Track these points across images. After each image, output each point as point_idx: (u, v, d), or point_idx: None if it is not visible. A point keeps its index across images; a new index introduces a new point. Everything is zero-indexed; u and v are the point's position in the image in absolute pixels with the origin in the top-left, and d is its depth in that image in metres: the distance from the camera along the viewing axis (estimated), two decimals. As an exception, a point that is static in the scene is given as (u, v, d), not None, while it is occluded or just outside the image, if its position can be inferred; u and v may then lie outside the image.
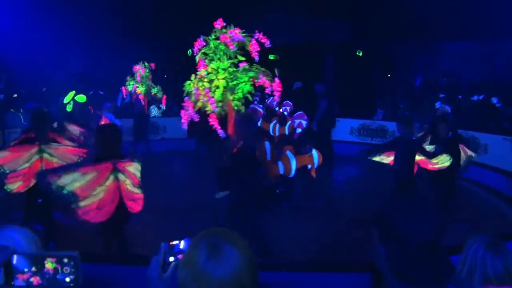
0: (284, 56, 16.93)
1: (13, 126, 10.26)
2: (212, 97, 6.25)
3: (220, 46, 6.46)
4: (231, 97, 6.35)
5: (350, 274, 2.86)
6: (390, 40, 14.43)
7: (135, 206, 4.59)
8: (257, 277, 1.45)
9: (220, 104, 6.31)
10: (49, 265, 1.10)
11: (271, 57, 17.26)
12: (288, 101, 11.59)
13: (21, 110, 10.76)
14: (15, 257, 1.10)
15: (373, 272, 2.72)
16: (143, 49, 14.60)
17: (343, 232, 6.67)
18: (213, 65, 6.40)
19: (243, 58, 6.57)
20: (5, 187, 5.14)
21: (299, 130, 8.31)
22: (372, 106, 13.82)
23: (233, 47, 6.38)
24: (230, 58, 6.55)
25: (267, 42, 6.66)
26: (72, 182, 4.14)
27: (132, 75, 12.28)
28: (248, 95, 6.46)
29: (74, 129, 8.68)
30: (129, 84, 12.11)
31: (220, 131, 6.47)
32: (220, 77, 6.30)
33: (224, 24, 6.65)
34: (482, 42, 13.47)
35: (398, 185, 6.26)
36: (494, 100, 11.77)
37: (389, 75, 16.51)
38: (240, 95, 6.34)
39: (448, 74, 14.46)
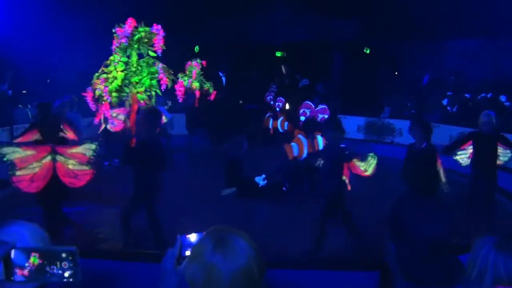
0: (291, 54, 16.88)
1: (21, 122, 10.32)
2: (107, 86, 6.40)
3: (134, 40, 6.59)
4: (135, 91, 6.51)
5: (357, 273, 2.86)
6: (398, 37, 14.35)
7: (77, 182, 5.33)
8: (265, 270, 1.45)
9: (115, 94, 6.48)
10: (32, 260, 1.10)
11: (278, 54, 17.22)
12: (281, 98, 11.83)
13: (29, 106, 10.83)
14: (12, 252, 1.10)
15: (381, 270, 2.71)
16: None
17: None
18: (113, 57, 6.52)
19: (154, 54, 6.73)
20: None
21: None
22: (379, 104, 13.78)
23: (125, 41, 6.46)
24: (144, 54, 6.73)
25: (161, 34, 6.82)
26: (12, 152, 4.90)
27: (183, 70, 12.92)
28: (157, 90, 6.68)
29: (119, 114, 10.02)
30: (185, 80, 12.61)
31: (96, 121, 6.95)
32: (118, 69, 6.45)
33: (136, 24, 6.73)
34: (490, 40, 13.37)
35: (325, 198, 5.71)
36: (503, 98, 11.69)
37: (396, 73, 16.43)
38: (142, 89, 6.51)
39: (456, 73, 14.37)
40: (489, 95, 12.10)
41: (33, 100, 11.07)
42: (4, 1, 10.44)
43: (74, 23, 12.14)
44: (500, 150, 6.84)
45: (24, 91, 11.45)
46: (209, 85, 13.17)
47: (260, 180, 8.31)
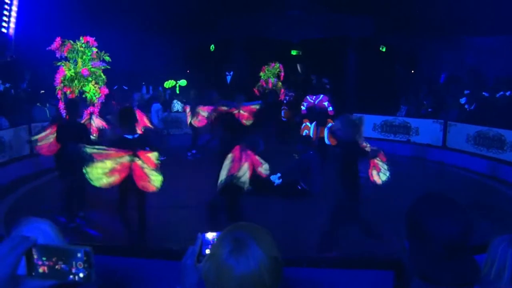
0: (306, 52, 16.83)
1: (40, 120, 10.47)
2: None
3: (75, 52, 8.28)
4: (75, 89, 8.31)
5: (372, 272, 2.85)
6: (414, 35, 14.21)
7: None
8: (279, 276, 1.45)
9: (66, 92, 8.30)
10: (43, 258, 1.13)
11: (293, 52, 17.17)
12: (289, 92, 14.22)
13: (47, 105, 10.97)
14: (34, 248, 1.12)
15: (396, 270, 2.70)
16: (164, 44, 14.70)
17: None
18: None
19: (108, 58, 8.60)
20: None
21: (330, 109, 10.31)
22: (395, 102, 13.66)
23: (58, 55, 8.21)
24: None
25: (94, 44, 8.43)
26: (38, 134, 7.11)
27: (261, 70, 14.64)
28: (92, 90, 8.42)
29: (203, 111, 11.48)
30: (271, 78, 14.56)
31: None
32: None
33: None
34: (508, 37, 13.16)
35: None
36: (522, 96, 11.51)
37: (412, 71, 16.27)
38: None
39: (471, 70, 14.17)
40: (507, 93, 11.92)
41: (52, 99, 11.23)
42: (23, 2, 10.58)
43: (91, 23, 12.27)
44: (379, 163, 5.93)
45: (43, 91, 11.61)
46: (280, 84, 14.82)
47: (276, 178, 8.31)
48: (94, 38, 8.46)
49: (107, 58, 8.57)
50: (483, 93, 12.56)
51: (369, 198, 8.21)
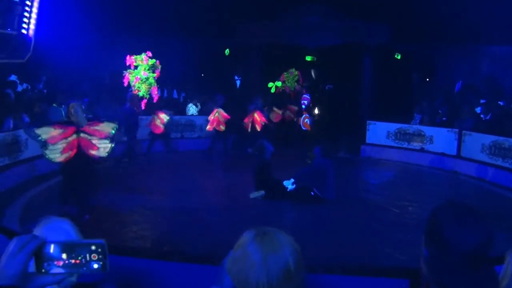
0: (321, 58, 16.82)
1: (56, 120, 10.59)
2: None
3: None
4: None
5: (387, 280, 2.84)
6: (430, 43, 14.14)
7: None
8: (303, 268, 1.46)
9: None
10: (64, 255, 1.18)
11: (308, 58, 17.18)
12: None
13: (63, 106, 11.08)
14: (52, 246, 1.17)
15: (411, 278, 2.69)
16: (180, 48, 14.79)
17: (376, 236, 6.61)
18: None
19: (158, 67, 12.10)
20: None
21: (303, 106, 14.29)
22: (410, 110, 13.58)
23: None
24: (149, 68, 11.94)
25: (149, 54, 11.85)
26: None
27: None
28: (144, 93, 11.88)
29: (278, 111, 13.78)
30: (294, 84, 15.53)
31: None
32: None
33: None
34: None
35: None
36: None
37: (427, 79, 16.18)
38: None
39: (490, 79, 14.04)
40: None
41: (68, 99, 11.35)
42: (42, 6, 10.71)
43: (108, 26, 12.45)
44: (96, 141, 6.44)
45: (58, 91, 11.76)
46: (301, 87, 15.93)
47: (289, 184, 8.30)
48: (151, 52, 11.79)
49: (158, 67, 12.01)
50: (499, 102, 12.45)
51: (383, 206, 8.22)
